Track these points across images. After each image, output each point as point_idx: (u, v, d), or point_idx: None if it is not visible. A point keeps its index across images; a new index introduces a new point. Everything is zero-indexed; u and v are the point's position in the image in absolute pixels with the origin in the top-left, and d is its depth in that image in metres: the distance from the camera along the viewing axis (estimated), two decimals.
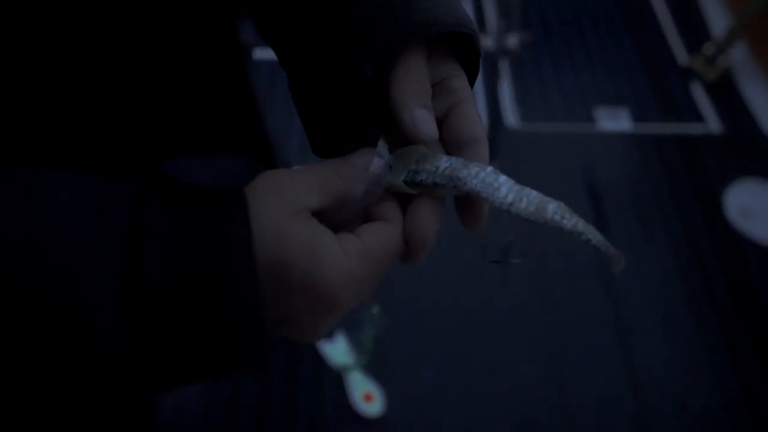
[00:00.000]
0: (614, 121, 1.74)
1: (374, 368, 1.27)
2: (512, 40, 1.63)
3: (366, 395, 1.24)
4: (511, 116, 1.73)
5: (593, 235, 0.33)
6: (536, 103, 1.77)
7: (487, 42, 1.80)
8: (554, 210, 0.32)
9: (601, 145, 1.69)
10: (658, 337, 1.37)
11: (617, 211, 1.56)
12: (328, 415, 1.22)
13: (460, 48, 0.35)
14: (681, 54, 1.92)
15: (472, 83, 0.36)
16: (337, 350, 1.28)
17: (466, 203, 0.34)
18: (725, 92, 1.83)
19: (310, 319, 0.28)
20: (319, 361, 1.27)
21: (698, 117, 1.77)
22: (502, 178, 0.32)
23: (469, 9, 1.97)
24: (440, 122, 0.34)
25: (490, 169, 0.32)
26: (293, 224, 0.27)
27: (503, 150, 1.62)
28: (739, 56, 1.86)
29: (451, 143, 0.34)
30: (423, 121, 0.31)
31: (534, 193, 0.32)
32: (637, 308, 1.40)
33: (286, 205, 0.27)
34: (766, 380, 1.31)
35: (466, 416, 1.24)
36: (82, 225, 0.22)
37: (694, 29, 2.00)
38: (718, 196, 1.60)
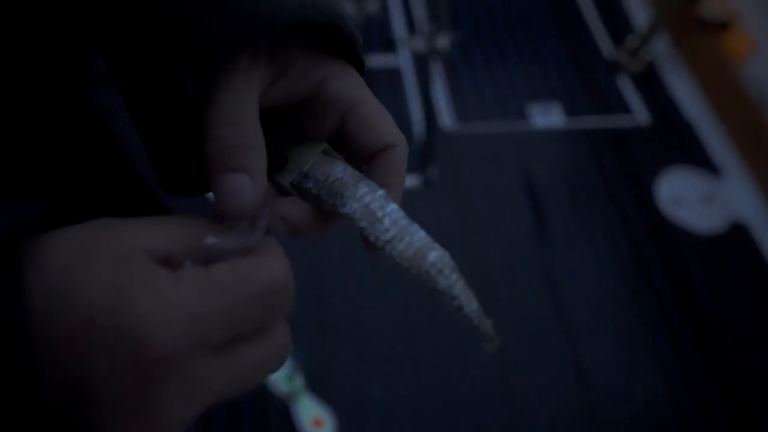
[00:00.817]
0: (547, 116, 1.75)
1: (321, 390, 1.22)
2: (442, 41, 1.61)
3: (315, 420, 1.19)
4: (446, 118, 1.71)
5: (468, 303, 0.28)
6: (470, 103, 1.76)
7: (417, 43, 1.78)
8: (434, 260, 0.27)
9: (535, 143, 1.69)
10: (601, 330, 1.38)
11: (555, 208, 1.57)
12: None
13: (332, 41, 0.27)
14: (607, 47, 1.96)
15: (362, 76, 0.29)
16: (280, 376, 1.22)
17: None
18: (650, 83, 1.87)
19: (127, 382, 0.19)
20: (261, 390, 1.21)
21: (626, 109, 1.81)
22: (390, 207, 0.27)
23: (397, 10, 1.94)
24: (338, 139, 0.28)
25: (381, 193, 0.27)
26: (110, 265, 0.20)
27: (439, 152, 1.59)
28: (661, 48, 1.91)
29: (359, 156, 0.29)
30: (230, 193, 0.24)
31: (422, 233, 0.27)
32: (579, 304, 1.41)
33: (112, 248, 0.20)
34: (707, 368, 1.34)
35: (418, 429, 1.21)
36: None
37: (619, 23, 2.04)
38: (649, 186, 1.64)
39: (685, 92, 1.85)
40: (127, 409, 0.20)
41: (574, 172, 1.66)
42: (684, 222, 1.57)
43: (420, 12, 1.94)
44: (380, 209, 0.27)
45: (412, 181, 1.54)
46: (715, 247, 1.53)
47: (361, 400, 1.23)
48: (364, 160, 0.29)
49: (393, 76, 1.77)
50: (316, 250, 1.41)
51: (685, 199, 1.62)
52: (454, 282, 0.28)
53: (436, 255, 0.27)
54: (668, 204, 1.60)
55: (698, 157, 1.72)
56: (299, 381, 1.21)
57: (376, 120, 0.28)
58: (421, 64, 1.59)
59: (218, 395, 0.22)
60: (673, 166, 1.68)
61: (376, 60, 1.80)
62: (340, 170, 0.28)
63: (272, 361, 0.23)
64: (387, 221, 0.27)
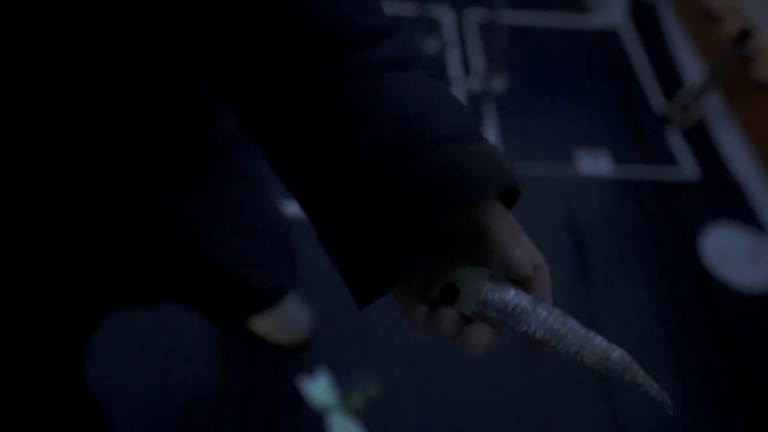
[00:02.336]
0: (595, 162, 1.79)
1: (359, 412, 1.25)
2: (498, 83, 1.68)
3: None
4: None
5: (651, 386, 0.34)
6: (520, 145, 1.81)
7: (473, 83, 1.85)
8: (618, 360, 0.33)
9: (582, 189, 1.73)
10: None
11: (598, 253, 1.59)
12: None
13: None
14: (658, 101, 1.99)
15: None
16: (318, 389, 1.26)
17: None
18: (699, 139, 1.89)
19: None
20: (298, 401, 1.25)
21: (674, 162, 1.83)
22: (570, 323, 0.33)
23: (455, 52, 2.02)
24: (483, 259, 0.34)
25: (557, 312, 0.33)
26: None
27: None
28: (713, 104, 1.93)
29: (515, 278, 0.34)
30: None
31: (599, 339, 0.33)
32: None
33: None
34: (748, 428, 1.32)
35: None
36: None
37: (671, 77, 2.08)
38: (694, 239, 1.64)
39: (735, 149, 1.86)
40: None
41: (619, 219, 1.68)
42: (728, 278, 1.57)
43: (476, 53, 2.02)
44: (563, 327, 0.32)
45: None
46: (761, 306, 1.52)
47: (396, 422, 1.25)
48: (519, 281, 0.34)
49: None
50: None
51: (731, 254, 1.62)
52: (636, 372, 0.33)
53: (617, 355, 0.33)
54: (713, 258, 1.60)
55: (745, 214, 1.71)
56: (335, 396, 1.25)
57: (529, 246, 0.33)
58: (475, 104, 1.65)
59: None
60: (719, 222, 1.68)
61: None
62: (514, 296, 0.33)
63: None
64: (570, 336, 0.32)
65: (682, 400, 1.35)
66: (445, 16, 2.15)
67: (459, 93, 1.89)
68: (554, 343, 0.32)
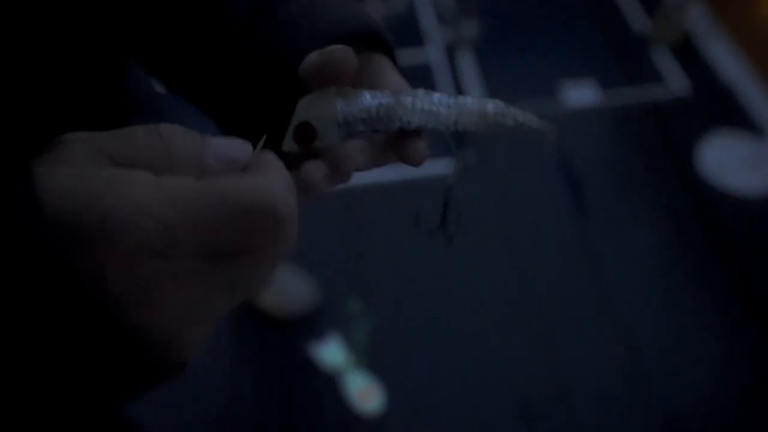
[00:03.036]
0: (581, 92, 1.76)
1: (369, 365, 1.29)
2: (469, 29, 1.66)
3: (364, 393, 1.25)
4: None
5: (531, 119, 0.32)
6: (503, 89, 1.79)
7: (446, 34, 1.82)
8: (494, 110, 0.31)
9: (571, 123, 1.70)
10: (649, 304, 1.37)
11: (594, 187, 1.57)
12: (328, 419, 1.23)
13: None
14: (640, 20, 1.94)
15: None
16: (330, 352, 1.29)
17: (400, 138, 0.30)
18: (686, 53, 1.84)
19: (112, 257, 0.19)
20: (312, 367, 1.29)
21: (663, 80, 1.79)
22: (437, 97, 0.30)
23: (424, 5, 2.00)
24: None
25: (421, 93, 0.29)
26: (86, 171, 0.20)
27: (473, 138, 1.64)
28: (696, 15, 1.87)
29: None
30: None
31: (469, 99, 0.30)
32: (623, 280, 1.41)
33: (81, 157, 0.21)
34: (764, 332, 1.31)
35: (465, 401, 1.25)
36: None
37: None
38: (691, 154, 1.61)
39: (724, 58, 1.81)
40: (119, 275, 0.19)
41: (611, 149, 1.66)
42: (730, 188, 1.54)
43: (446, 3, 2.00)
44: (433, 105, 0.29)
45: (447, 167, 1.59)
46: (765, 210, 1.50)
47: (408, 375, 1.28)
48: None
49: (424, 72, 1.83)
50: (358, 231, 1.48)
51: (730, 164, 1.59)
52: (514, 114, 0.31)
53: (492, 105, 0.31)
54: (712, 170, 1.58)
55: (741, 121, 1.67)
56: (347, 355, 1.28)
57: (394, 73, 0.32)
58: (450, 54, 1.64)
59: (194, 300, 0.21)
60: (714, 133, 1.65)
61: (405, 57, 1.86)
62: (371, 98, 0.29)
63: (243, 285, 0.23)
64: (444, 110, 0.30)
65: (695, 316, 1.35)
66: None
67: (433, 48, 1.87)
68: (432, 124, 0.29)
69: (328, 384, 1.27)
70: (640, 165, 1.61)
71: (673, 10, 1.82)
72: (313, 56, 0.28)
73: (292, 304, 1.34)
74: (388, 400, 1.24)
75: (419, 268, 1.43)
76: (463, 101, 0.30)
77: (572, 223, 1.50)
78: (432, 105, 0.29)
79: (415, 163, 0.30)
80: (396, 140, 0.30)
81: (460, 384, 1.27)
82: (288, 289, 1.34)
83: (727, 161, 1.59)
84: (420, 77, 1.81)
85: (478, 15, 1.78)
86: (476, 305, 1.37)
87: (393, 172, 1.57)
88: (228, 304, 0.22)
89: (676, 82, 1.78)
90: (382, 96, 0.29)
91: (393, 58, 0.33)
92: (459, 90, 1.72)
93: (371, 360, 1.29)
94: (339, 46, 0.28)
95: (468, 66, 1.82)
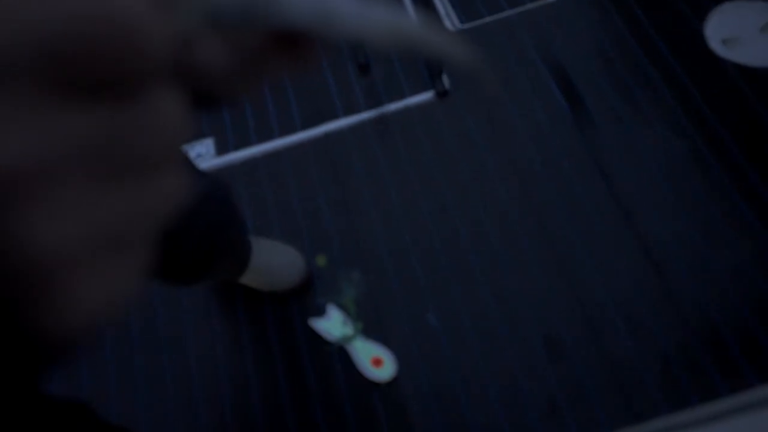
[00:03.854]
0: None
1: (375, 331, 1.19)
2: None
3: (374, 360, 1.16)
4: (448, 22, 1.56)
5: (463, 56, 0.24)
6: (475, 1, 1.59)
7: None
8: (412, 29, 0.22)
9: (552, 17, 1.52)
10: (664, 204, 1.24)
11: (589, 84, 1.41)
12: (341, 391, 1.15)
13: None
14: None
15: None
16: (333, 324, 1.20)
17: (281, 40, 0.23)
18: None
19: None
20: (318, 342, 1.20)
21: None
22: None
23: None
24: None
25: None
26: None
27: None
28: None
29: None
30: None
31: (382, 10, 0.22)
32: (634, 180, 1.28)
33: None
34: None
35: (484, 352, 1.16)
36: None
37: None
38: (696, 32, 1.43)
39: None
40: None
41: (602, 39, 1.47)
42: (744, 60, 1.37)
43: None
44: (326, 2, 0.21)
45: (426, 96, 1.43)
46: None
47: (417, 333, 1.19)
48: None
49: None
50: (342, 184, 1.35)
51: (742, 34, 1.41)
52: (439, 44, 0.23)
53: (411, 25, 0.22)
54: (720, 45, 1.40)
55: None
56: (353, 325, 1.19)
57: None
58: None
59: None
60: (721, 4, 1.46)
61: None
62: None
63: (157, 134, 0.15)
64: (344, 12, 0.21)
65: (717, 210, 1.22)
66: None
67: None
68: (324, 28, 0.21)
69: (337, 356, 1.18)
70: (638, 51, 1.43)
71: None
72: None
73: (284, 276, 1.24)
74: (400, 363, 1.16)
75: (409, 217, 1.31)
76: (373, 10, 0.22)
77: (576, 135, 1.35)
78: (325, 2, 0.21)
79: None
80: (276, 43, 0.23)
81: (476, 332, 1.18)
82: (275, 262, 1.24)
83: (737, 32, 1.41)
84: None
85: None
86: (483, 239, 1.26)
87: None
88: (123, 208, 0.14)
89: None
90: None
91: None
92: (424, 3, 1.54)
93: (376, 324, 1.20)
94: None
95: None
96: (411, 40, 0.22)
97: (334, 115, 1.45)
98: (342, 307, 1.20)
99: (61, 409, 0.43)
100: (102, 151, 0.14)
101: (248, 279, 1.23)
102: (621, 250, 1.21)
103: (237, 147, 1.45)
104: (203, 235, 0.91)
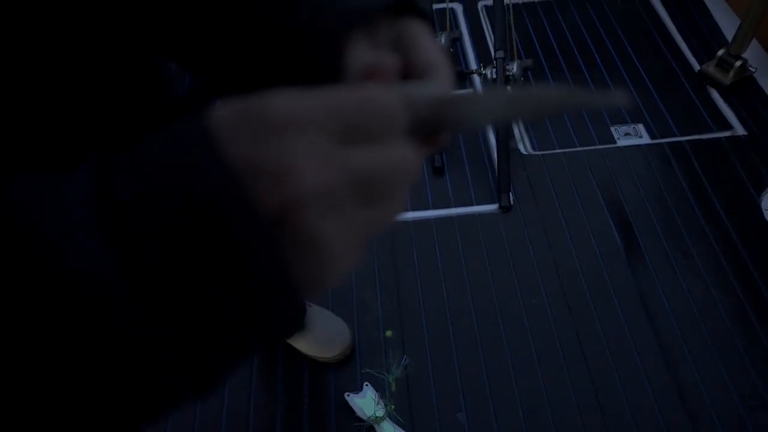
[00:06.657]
0: (632, 138, 1.69)
1: (404, 416, 1.22)
2: (514, 68, 1.63)
3: None
4: (523, 144, 1.70)
5: (597, 96, 0.29)
6: (555, 132, 1.73)
7: (490, 72, 1.79)
8: (557, 93, 0.28)
9: (620, 161, 1.63)
10: (704, 353, 1.27)
11: (645, 228, 1.49)
12: None
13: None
14: (694, 61, 1.88)
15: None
16: (366, 402, 1.23)
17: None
18: (742, 94, 1.76)
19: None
20: (347, 414, 1.23)
21: (719, 122, 1.71)
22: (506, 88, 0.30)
23: (467, 45, 1.98)
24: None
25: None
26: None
27: (518, 176, 1.59)
28: (753, 56, 1.80)
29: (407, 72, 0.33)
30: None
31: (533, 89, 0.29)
32: (677, 325, 1.32)
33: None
34: None
35: None
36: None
37: (703, 34, 1.96)
38: (752, 201, 1.52)
39: None
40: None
41: (664, 188, 1.57)
42: None
43: (491, 44, 1.97)
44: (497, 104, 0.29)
45: (490, 207, 1.54)
46: None
47: (445, 428, 1.21)
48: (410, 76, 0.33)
49: None
50: (393, 278, 1.43)
51: None
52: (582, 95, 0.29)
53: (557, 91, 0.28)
54: None
55: None
56: (385, 406, 1.22)
57: (430, 44, 0.34)
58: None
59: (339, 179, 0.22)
60: None
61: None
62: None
63: (395, 165, 0.24)
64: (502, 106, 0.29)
65: (754, 370, 1.24)
66: (458, 7, 2.12)
67: (477, 84, 1.84)
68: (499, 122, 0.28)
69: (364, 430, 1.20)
70: (695, 206, 1.52)
71: (728, 50, 1.75)
72: (366, 55, 0.32)
73: (328, 347, 1.29)
74: None
75: (460, 307, 1.37)
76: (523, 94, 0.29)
77: (627, 273, 1.41)
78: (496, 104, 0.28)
79: (438, 151, 0.31)
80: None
81: None
82: (323, 332, 1.30)
83: None
84: None
85: (524, 56, 1.75)
86: (524, 351, 1.30)
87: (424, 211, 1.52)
88: (366, 220, 0.23)
89: (732, 122, 1.69)
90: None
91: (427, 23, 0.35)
92: (502, 128, 1.68)
93: (406, 410, 1.22)
94: (391, 56, 0.32)
95: None
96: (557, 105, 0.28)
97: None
98: (385, 382, 1.24)
99: None
100: (365, 179, 0.23)
101: (294, 339, 1.29)
102: (657, 392, 1.23)
103: None
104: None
